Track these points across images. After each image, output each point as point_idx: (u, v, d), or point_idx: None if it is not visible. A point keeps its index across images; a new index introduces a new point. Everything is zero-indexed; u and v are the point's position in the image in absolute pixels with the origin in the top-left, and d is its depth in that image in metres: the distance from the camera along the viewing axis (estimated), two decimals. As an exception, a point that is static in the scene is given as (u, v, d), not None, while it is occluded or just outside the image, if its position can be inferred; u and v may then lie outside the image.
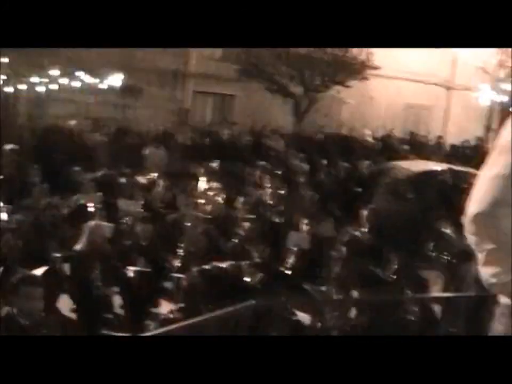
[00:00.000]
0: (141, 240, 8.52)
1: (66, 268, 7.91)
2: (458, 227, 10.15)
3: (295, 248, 8.80)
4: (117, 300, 7.89)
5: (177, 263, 8.53)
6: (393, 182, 15.56)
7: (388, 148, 20.04)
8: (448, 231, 9.91)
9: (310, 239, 9.00)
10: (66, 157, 14.34)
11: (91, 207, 9.72)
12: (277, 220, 10.18)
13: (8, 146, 12.79)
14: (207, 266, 7.63)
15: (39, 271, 7.07)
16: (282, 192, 11.07)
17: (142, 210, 10.28)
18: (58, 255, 7.91)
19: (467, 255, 8.97)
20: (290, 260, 8.68)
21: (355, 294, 6.60)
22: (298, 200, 11.21)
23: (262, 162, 13.69)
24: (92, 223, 8.28)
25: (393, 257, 8.21)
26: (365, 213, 9.83)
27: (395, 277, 8.03)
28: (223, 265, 7.67)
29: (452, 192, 14.41)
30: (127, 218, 9.64)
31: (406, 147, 20.46)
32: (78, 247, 8.11)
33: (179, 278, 7.68)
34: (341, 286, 7.19)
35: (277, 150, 17.73)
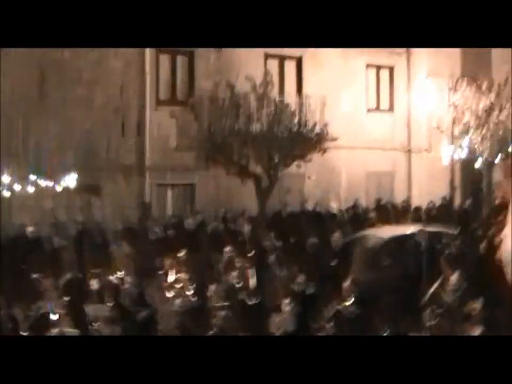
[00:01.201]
0: (110, 344, 7.90)
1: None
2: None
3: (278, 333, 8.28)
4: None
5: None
6: (366, 251, 15.23)
7: (355, 217, 19.82)
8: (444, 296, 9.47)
9: (294, 321, 8.47)
10: (29, 265, 13.80)
11: (54, 315, 9.10)
12: (253, 302, 9.65)
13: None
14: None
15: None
16: (255, 275, 10.54)
17: (109, 312, 9.71)
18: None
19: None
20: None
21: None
22: (274, 280, 10.70)
23: (229, 248, 13.22)
24: (55, 331, 7.67)
25: (384, 327, 7.70)
26: (346, 285, 9.37)
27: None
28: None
29: (427, 253, 14.09)
30: (96, 323, 9.07)
31: (372, 215, 20.26)
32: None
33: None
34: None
35: (243, 233, 17.36)
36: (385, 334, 7.64)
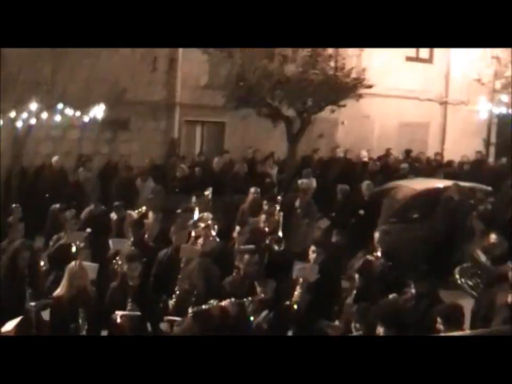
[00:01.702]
0: (129, 280, 7.64)
1: (46, 316, 7.07)
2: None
3: (301, 280, 7.95)
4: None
5: (171, 303, 7.70)
6: (396, 202, 14.86)
7: (386, 167, 19.39)
8: (480, 255, 9.06)
9: (317, 269, 8.11)
10: (52, 195, 13.64)
11: (74, 247, 8.87)
12: (278, 248, 9.33)
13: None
14: (205, 306, 6.75)
15: (11, 324, 6.24)
16: (282, 219, 10.16)
17: (132, 247, 9.47)
18: (33, 304, 7.06)
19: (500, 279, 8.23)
20: (297, 293, 7.81)
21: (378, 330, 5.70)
22: (300, 226, 10.35)
23: (254, 189, 12.86)
24: (72, 264, 7.42)
25: (412, 283, 7.36)
26: (376, 235, 8.99)
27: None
28: (223, 303, 6.79)
29: (459, 208, 13.68)
30: (117, 257, 8.82)
31: (404, 166, 19.80)
32: (58, 292, 7.27)
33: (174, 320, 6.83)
34: (358, 320, 6.30)
35: (271, 175, 17.05)
36: (412, 290, 7.29)
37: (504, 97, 19.94)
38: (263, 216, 10.26)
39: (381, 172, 18.13)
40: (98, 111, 16.48)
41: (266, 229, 9.97)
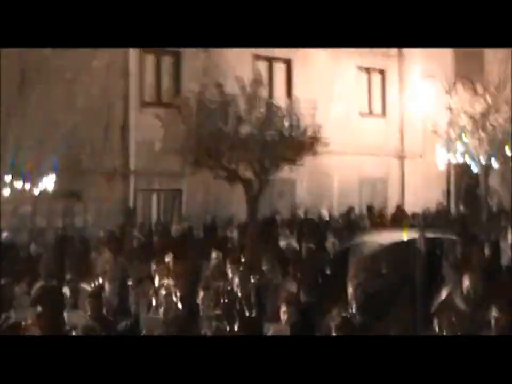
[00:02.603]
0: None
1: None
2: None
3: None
4: None
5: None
6: (364, 258, 14.43)
7: (349, 224, 19.09)
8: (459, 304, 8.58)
9: (289, 331, 7.54)
10: (2, 272, 12.89)
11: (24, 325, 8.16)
12: (248, 313, 8.74)
13: None
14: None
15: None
16: (251, 280, 9.58)
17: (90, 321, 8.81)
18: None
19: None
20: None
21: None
22: (268, 288, 9.78)
23: (217, 254, 12.35)
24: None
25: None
26: (349, 291, 8.49)
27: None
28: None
29: (428, 259, 13.29)
30: (73, 333, 8.13)
31: (366, 221, 19.58)
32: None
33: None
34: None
35: (232, 240, 16.57)
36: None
37: (460, 146, 19.90)
38: (236, 280, 9.64)
39: (344, 229, 17.79)
40: (49, 183, 15.91)
41: (239, 294, 9.35)
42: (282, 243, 15.94)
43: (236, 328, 8.00)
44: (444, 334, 7.73)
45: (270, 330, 7.55)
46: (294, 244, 15.41)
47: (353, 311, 8.30)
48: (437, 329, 8.23)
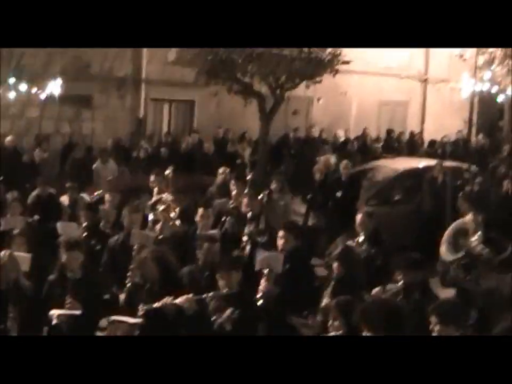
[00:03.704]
0: (68, 272, 6.55)
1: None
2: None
3: (266, 272, 6.87)
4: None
5: (121, 299, 6.62)
6: (376, 183, 13.92)
7: (364, 147, 18.50)
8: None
9: (283, 258, 7.00)
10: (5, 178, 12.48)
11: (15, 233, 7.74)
12: (246, 236, 8.20)
13: None
14: (157, 304, 5.69)
15: None
16: (254, 199, 8.95)
17: (84, 233, 8.39)
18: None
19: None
20: (262, 287, 6.75)
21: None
22: (274, 209, 9.23)
23: (224, 169, 11.79)
24: (1, 254, 6.30)
25: (400, 272, 6.34)
26: (358, 218, 7.93)
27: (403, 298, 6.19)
28: (179, 300, 5.72)
29: (444, 189, 12.77)
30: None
31: (383, 145, 18.99)
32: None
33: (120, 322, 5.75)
34: (337, 317, 5.25)
35: (242, 156, 16.04)
36: (399, 284, 6.30)
37: (487, 74, 19.04)
38: (244, 200, 8.94)
39: (359, 152, 17.23)
40: (57, 87, 15.28)
41: (249, 215, 8.70)
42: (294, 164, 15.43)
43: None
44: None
45: (260, 256, 7.03)
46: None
47: (360, 239, 7.77)
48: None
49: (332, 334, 5.09)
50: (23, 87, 14.81)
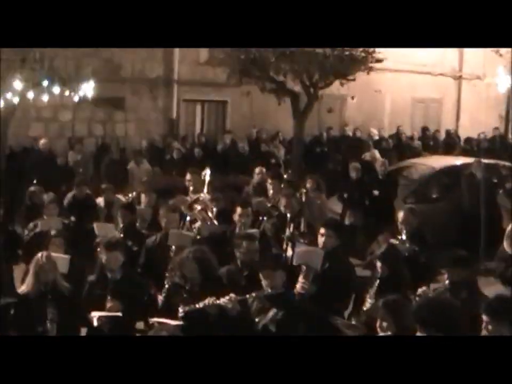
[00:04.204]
0: (108, 273, 6.46)
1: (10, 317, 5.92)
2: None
3: (304, 268, 6.70)
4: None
5: (160, 300, 6.51)
6: (413, 181, 13.70)
7: (399, 145, 18.26)
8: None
9: (323, 255, 6.83)
10: (39, 180, 12.46)
11: (52, 235, 7.67)
12: (287, 237, 8.04)
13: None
14: (199, 305, 5.56)
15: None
16: (292, 199, 8.80)
17: (121, 234, 8.30)
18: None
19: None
20: (299, 285, 6.58)
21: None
22: (311, 208, 9.07)
23: (260, 169, 11.66)
24: (38, 256, 6.22)
25: (446, 270, 6.15)
26: (400, 215, 7.72)
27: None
28: (221, 301, 5.58)
29: (483, 187, 12.49)
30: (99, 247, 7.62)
31: (418, 143, 18.72)
32: (23, 288, 6.11)
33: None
34: (385, 318, 5.07)
35: (276, 156, 15.91)
36: (446, 282, 6.11)
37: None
38: (283, 200, 8.78)
39: (394, 150, 17.00)
40: (90, 89, 15.26)
41: (288, 215, 8.51)
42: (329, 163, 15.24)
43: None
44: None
45: (299, 250, 6.85)
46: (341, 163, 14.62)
47: (403, 237, 7.56)
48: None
49: (380, 334, 4.93)
50: (56, 89, 14.80)
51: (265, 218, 8.41)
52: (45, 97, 14.71)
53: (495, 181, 13.18)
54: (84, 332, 6.32)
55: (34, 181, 12.30)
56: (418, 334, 4.31)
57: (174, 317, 5.82)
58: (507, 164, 14.20)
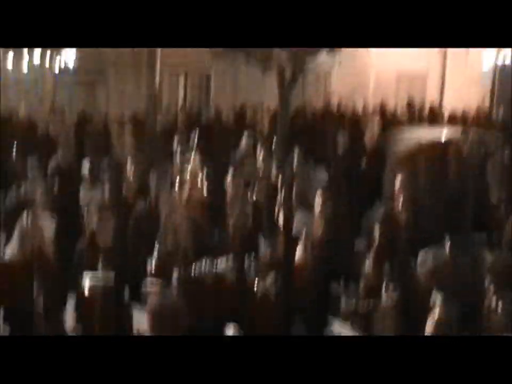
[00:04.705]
0: (99, 239, 6.22)
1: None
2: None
3: (304, 236, 6.52)
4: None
5: (153, 265, 6.27)
6: (400, 153, 13.53)
7: (384, 117, 18.09)
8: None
9: (324, 222, 6.65)
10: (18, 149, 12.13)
11: (33, 202, 7.38)
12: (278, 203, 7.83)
13: None
14: (194, 268, 5.32)
15: None
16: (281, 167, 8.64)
17: (106, 200, 8.03)
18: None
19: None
20: (299, 253, 6.39)
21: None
22: (300, 176, 8.83)
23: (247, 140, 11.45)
24: (23, 220, 5.96)
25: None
26: (398, 181, 7.51)
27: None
28: (218, 265, 5.35)
29: (472, 158, 12.37)
30: (85, 212, 7.39)
31: (403, 117, 18.58)
32: (7, 255, 5.86)
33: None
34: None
35: (262, 127, 15.68)
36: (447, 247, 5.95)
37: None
38: (272, 167, 8.72)
39: (380, 123, 16.84)
40: (72, 58, 14.97)
41: (279, 182, 8.41)
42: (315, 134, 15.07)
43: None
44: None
45: (297, 218, 6.69)
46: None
47: (399, 204, 7.36)
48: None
49: (385, 299, 4.79)
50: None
51: (256, 184, 8.22)
52: (26, 64, 14.44)
53: (483, 151, 13.05)
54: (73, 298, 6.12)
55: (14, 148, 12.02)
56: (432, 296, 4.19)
57: (168, 283, 5.60)
58: (494, 137, 14.09)
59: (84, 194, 8.06)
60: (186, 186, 7.98)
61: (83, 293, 5.73)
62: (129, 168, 9.00)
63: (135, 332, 3.76)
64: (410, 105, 19.46)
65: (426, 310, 4.56)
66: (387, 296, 4.80)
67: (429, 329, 4.20)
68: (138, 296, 5.88)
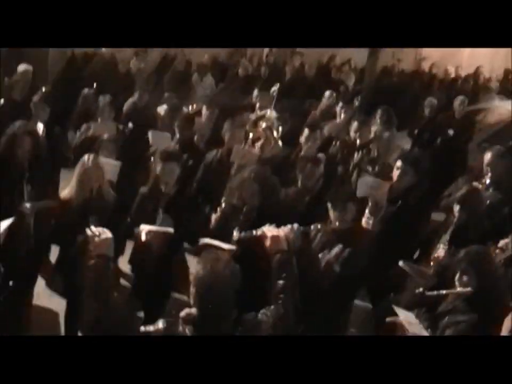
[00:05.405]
0: (162, 185, 5.92)
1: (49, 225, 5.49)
2: None
3: (370, 203, 6.05)
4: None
5: (214, 219, 5.93)
6: (490, 125, 12.81)
7: (478, 86, 17.30)
8: None
9: (397, 191, 6.19)
10: (99, 86, 11.93)
11: (104, 139, 7.15)
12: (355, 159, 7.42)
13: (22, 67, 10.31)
14: (256, 232, 4.93)
15: (3, 225, 4.75)
16: (364, 126, 8.14)
17: (177, 146, 7.73)
18: (28, 205, 5.43)
19: None
20: (365, 220, 5.93)
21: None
22: (381, 139, 8.31)
23: (330, 93, 10.97)
24: (85, 159, 5.71)
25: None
26: (487, 156, 6.91)
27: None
28: (280, 231, 4.96)
29: None
30: (153, 157, 7.11)
31: (496, 86, 17.70)
32: (65, 193, 5.64)
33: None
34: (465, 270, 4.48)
35: (346, 83, 15.13)
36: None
37: None
38: (354, 125, 8.15)
39: (473, 90, 16.08)
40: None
41: (358, 141, 7.93)
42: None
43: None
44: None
45: (363, 180, 6.24)
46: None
47: (487, 181, 6.78)
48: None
49: (459, 289, 4.36)
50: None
51: (333, 143, 7.79)
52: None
53: None
54: (130, 246, 5.91)
55: (94, 85, 11.81)
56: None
57: (227, 241, 5.27)
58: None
59: (153, 136, 7.74)
60: (260, 141, 7.63)
61: (140, 238, 5.47)
62: (204, 116, 8.71)
63: (191, 276, 3.47)
64: (506, 75, 18.59)
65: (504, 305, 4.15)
66: (460, 285, 4.37)
67: (506, 329, 3.77)
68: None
